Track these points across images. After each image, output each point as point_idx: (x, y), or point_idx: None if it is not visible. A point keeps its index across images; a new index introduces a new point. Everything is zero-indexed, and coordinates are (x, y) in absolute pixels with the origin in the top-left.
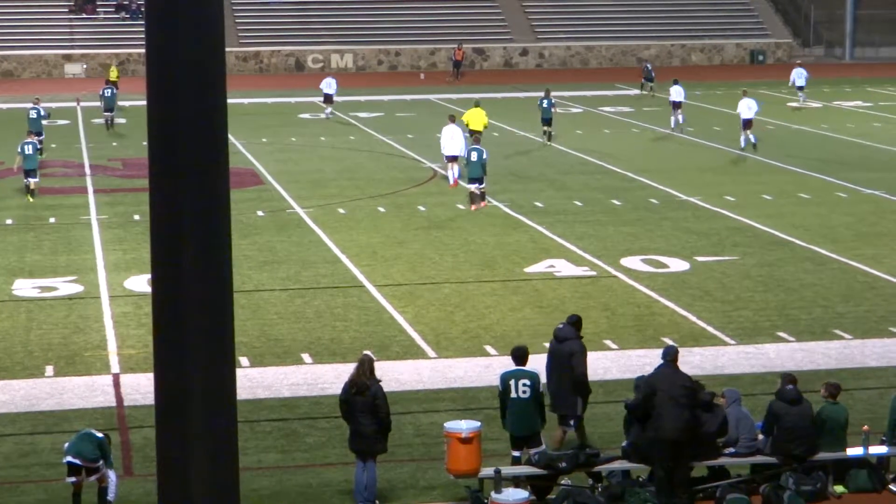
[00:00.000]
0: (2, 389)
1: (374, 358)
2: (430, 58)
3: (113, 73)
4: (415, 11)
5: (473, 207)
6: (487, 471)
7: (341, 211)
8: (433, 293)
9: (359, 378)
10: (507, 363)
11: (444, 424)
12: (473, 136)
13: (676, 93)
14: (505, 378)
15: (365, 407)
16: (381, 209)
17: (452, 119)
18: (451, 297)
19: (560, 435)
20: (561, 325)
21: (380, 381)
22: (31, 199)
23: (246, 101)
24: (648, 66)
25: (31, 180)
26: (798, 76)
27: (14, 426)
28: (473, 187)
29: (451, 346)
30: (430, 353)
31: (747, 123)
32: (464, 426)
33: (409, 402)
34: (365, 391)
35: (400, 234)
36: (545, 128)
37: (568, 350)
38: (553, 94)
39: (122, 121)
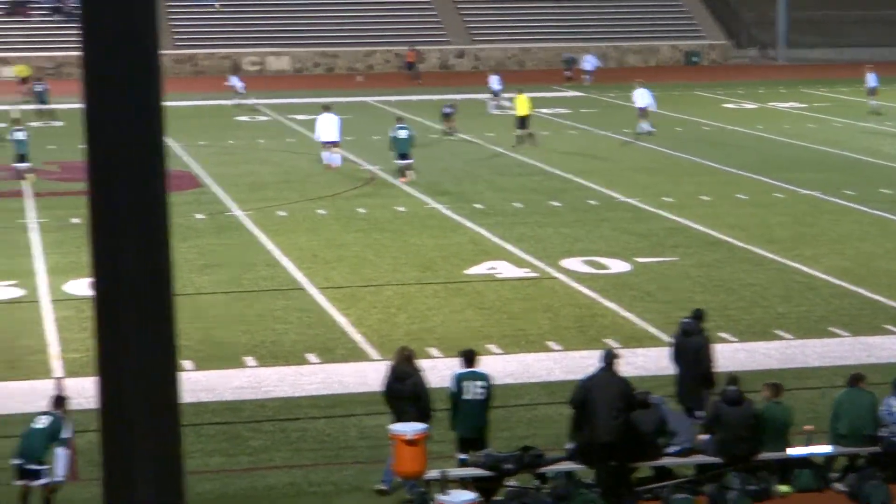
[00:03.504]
0: None
1: (413, 350)
2: (366, 60)
3: (23, 72)
4: (351, 13)
5: (402, 180)
6: (433, 473)
7: (281, 213)
8: (375, 295)
9: (398, 366)
10: (451, 365)
11: (390, 427)
12: (520, 121)
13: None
14: (459, 379)
15: (406, 395)
16: (321, 212)
17: (328, 108)
18: (394, 299)
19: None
20: (687, 320)
21: (421, 370)
22: None
23: (183, 103)
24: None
25: None
26: (872, 80)
27: None
28: (403, 162)
29: (394, 347)
30: (374, 355)
31: (643, 112)
32: (409, 428)
33: (353, 404)
34: (405, 379)
35: (340, 236)
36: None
37: (695, 345)
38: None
39: (59, 123)
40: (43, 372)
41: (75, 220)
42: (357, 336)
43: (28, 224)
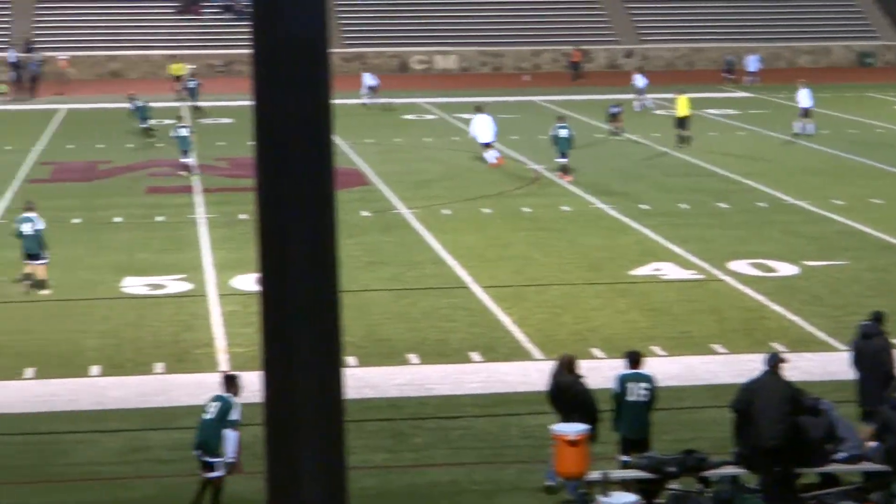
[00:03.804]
0: (114, 385)
1: (574, 356)
2: (533, 59)
3: (179, 70)
4: (519, 12)
5: (566, 178)
6: (595, 474)
7: (446, 212)
8: (539, 295)
9: (559, 376)
10: (615, 366)
11: (552, 427)
12: (679, 121)
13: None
14: (623, 380)
15: (570, 403)
16: (486, 210)
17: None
18: (558, 298)
19: (871, 431)
20: (866, 322)
21: (582, 377)
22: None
23: (350, 101)
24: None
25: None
26: None
27: (125, 422)
28: (563, 161)
29: (557, 348)
30: (537, 354)
31: (805, 112)
32: (571, 429)
33: (515, 403)
34: (567, 389)
35: (505, 235)
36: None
37: (875, 347)
38: (653, 96)
39: (229, 120)
40: (209, 366)
41: (243, 216)
42: (520, 335)
43: (197, 219)
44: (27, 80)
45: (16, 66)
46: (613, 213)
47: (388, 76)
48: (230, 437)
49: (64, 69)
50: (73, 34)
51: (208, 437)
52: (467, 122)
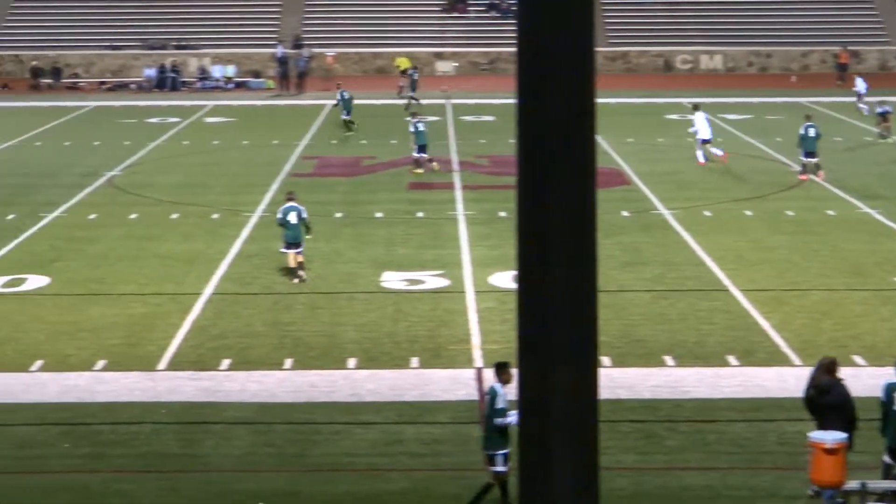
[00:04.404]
0: (370, 379)
1: (835, 359)
2: (802, 60)
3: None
4: (787, 12)
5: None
6: (853, 483)
7: (706, 213)
8: (800, 299)
9: (819, 377)
10: (876, 374)
11: (810, 434)
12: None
13: None
14: (890, 389)
15: (829, 406)
16: (748, 213)
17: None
18: (819, 304)
19: None
20: None
21: (842, 380)
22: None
23: (613, 101)
24: None
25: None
26: None
27: (380, 415)
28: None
29: (817, 353)
30: (796, 360)
31: None
32: (829, 437)
33: (774, 409)
34: (827, 391)
35: (766, 238)
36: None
37: None
38: None
39: (491, 118)
40: (464, 361)
41: (502, 214)
42: (779, 340)
43: (457, 216)
44: (294, 75)
45: (282, 61)
46: (880, 217)
47: (652, 76)
48: (501, 424)
49: (330, 66)
50: (340, 31)
51: (486, 430)
52: (732, 122)
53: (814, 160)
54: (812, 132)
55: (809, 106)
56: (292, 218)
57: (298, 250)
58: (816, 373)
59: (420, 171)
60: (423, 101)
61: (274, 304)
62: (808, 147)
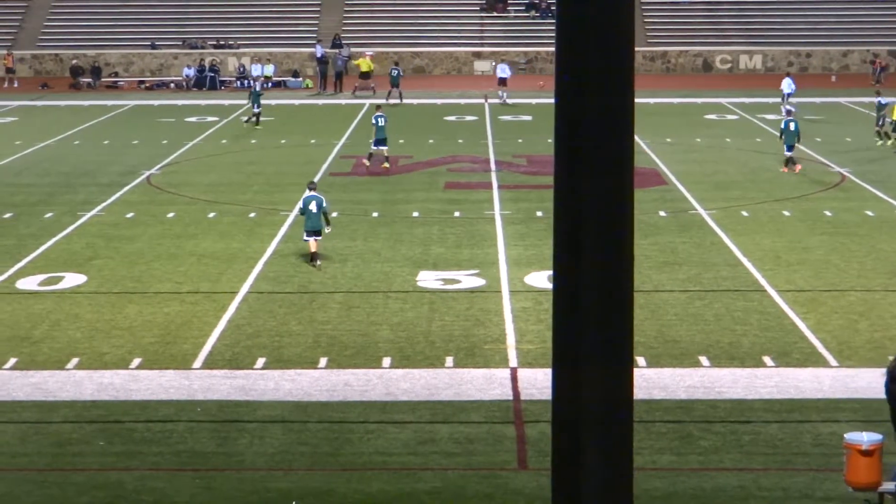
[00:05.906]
0: (404, 378)
1: None
2: (842, 60)
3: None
4: (827, 12)
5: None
6: (889, 485)
7: (744, 213)
8: (837, 300)
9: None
10: None
11: (845, 435)
12: None
13: None
14: None
15: None
16: (786, 213)
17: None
18: (856, 305)
19: None
20: None
21: None
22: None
23: (651, 100)
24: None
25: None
26: None
27: (414, 414)
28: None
29: (853, 355)
30: (832, 361)
31: None
32: (865, 438)
33: (809, 410)
34: None
35: (805, 238)
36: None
37: None
38: None
39: (529, 118)
40: (499, 361)
41: (539, 214)
42: (815, 341)
43: (494, 216)
44: (333, 75)
45: (321, 61)
46: None
47: (691, 76)
48: None
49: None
50: (379, 30)
51: None
52: (771, 122)
53: (790, 153)
54: (792, 126)
55: (849, 106)
56: (313, 207)
57: (318, 238)
58: (892, 364)
59: (367, 163)
60: (462, 101)
61: (309, 303)
62: (789, 140)
